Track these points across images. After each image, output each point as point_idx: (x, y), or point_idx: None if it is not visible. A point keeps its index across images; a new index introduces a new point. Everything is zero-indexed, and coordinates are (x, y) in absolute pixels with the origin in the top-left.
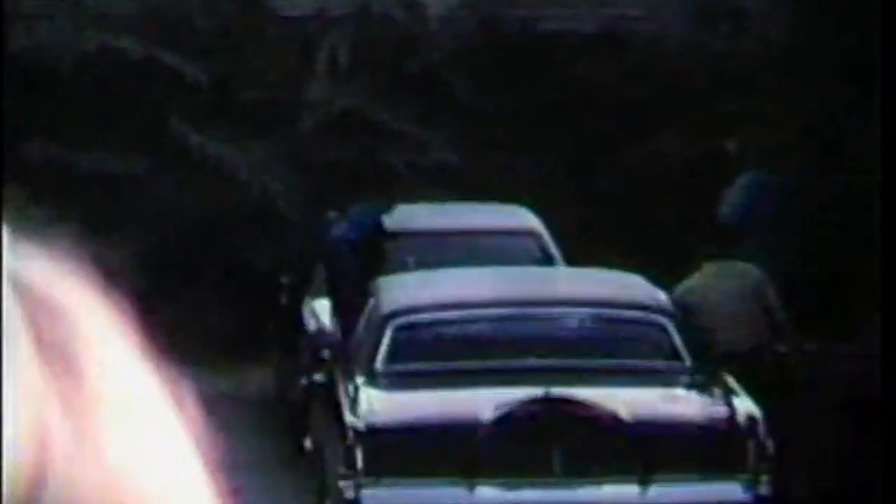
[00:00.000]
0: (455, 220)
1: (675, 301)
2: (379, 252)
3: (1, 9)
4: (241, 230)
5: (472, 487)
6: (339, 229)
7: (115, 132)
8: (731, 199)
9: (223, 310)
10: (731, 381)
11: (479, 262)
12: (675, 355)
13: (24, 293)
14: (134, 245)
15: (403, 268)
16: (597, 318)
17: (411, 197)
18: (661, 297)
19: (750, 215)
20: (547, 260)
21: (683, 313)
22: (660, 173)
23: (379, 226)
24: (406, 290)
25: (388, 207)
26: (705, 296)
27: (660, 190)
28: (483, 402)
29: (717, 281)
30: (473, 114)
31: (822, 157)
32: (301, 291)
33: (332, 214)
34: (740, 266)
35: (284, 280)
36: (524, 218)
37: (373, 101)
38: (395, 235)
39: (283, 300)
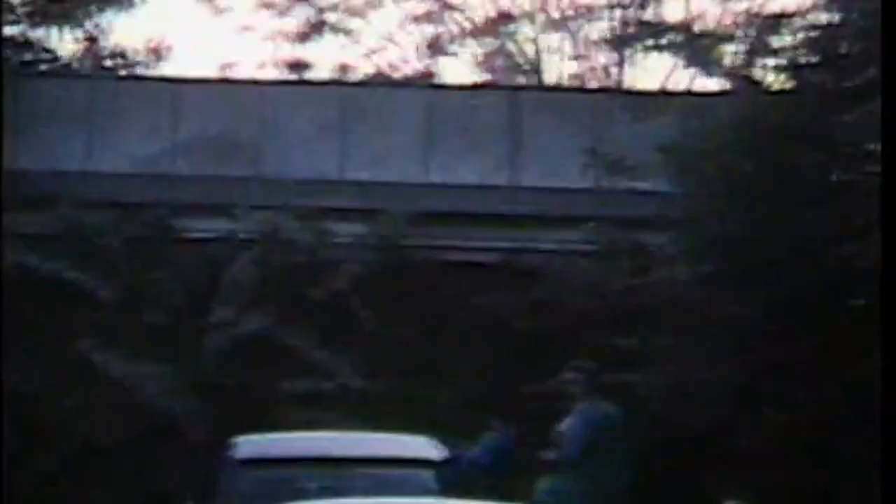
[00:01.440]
0: (358, 449)
1: None
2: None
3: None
4: (145, 451)
5: None
6: (472, 454)
7: (24, 350)
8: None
9: None
10: None
11: (382, 492)
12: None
13: None
14: (37, 467)
15: (305, 495)
16: None
17: (315, 424)
18: None
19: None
20: (446, 491)
21: None
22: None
23: (508, 452)
24: None
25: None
26: None
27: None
28: None
29: None
30: (378, 340)
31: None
32: None
33: (234, 439)
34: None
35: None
36: (428, 448)
37: (278, 326)
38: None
39: None
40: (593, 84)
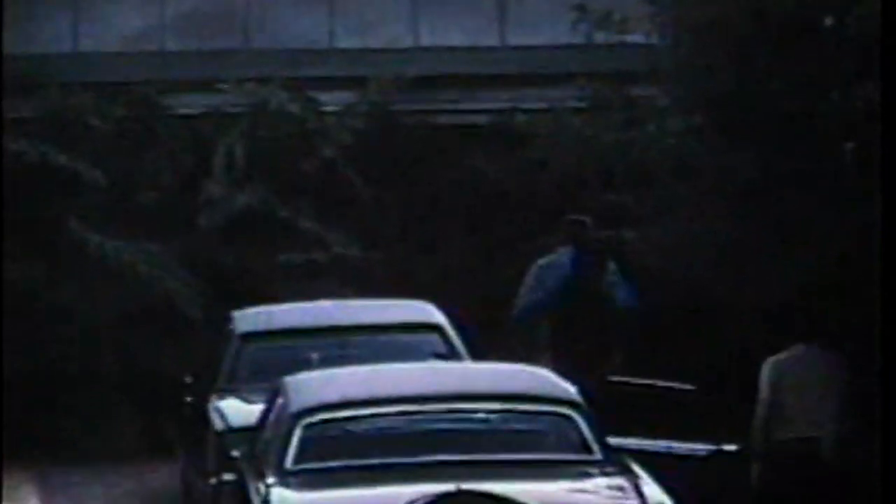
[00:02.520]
0: (358, 316)
1: (767, 367)
2: None
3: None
4: (141, 330)
5: None
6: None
7: (13, 237)
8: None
9: (126, 409)
10: (640, 471)
11: (383, 358)
12: (585, 447)
13: None
14: (35, 349)
15: (308, 365)
16: (504, 413)
17: (313, 293)
18: (570, 389)
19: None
20: (452, 355)
21: (774, 382)
22: None
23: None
24: (314, 389)
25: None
26: (795, 374)
27: None
28: (395, 499)
29: (805, 364)
30: (372, 209)
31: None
32: (206, 390)
33: (232, 313)
34: (824, 352)
35: (188, 379)
36: (427, 312)
37: (271, 200)
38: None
39: (189, 399)
40: None
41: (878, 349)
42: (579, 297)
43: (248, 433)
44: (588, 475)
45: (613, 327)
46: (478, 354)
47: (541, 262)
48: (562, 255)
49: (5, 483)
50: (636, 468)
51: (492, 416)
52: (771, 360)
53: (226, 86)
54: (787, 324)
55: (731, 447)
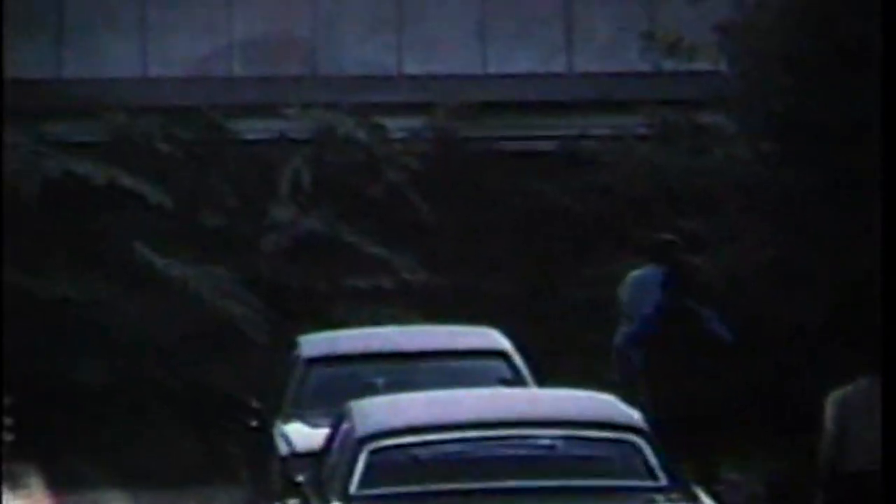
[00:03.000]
0: (424, 342)
1: (832, 402)
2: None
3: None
4: (205, 353)
5: None
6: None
7: (80, 258)
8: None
9: (191, 433)
10: (706, 498)
11: (449, 384)
12: (651, 474)
13: None
14: (102, 370)
15: (373, 390)
16: (571, 439)
17: (378, 318)
18: (634, 415)
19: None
20: (517, 380)
21: (840, 416)
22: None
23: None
24: (379, 414)
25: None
26: (860, 408)
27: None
28: None
29: (870, 397)
30: (438, 234)
31: (790, 272)
32: (271, 414)
33: (297, 338)
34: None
35: (254, 403)
36: (492, 339)
37: (337, 224)
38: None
39: (254, 423)
40: None
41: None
42: (674, 320)
43: (313, 458)
44: (653, 502)
45: (709, 351)
46: (543, 380)
47: (633, 275)
48: (652, 274)
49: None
50: (702, 495)
51: (557, 442)
52: (835, 394)
53: (292, 111)
54: (851, 348)
55: None
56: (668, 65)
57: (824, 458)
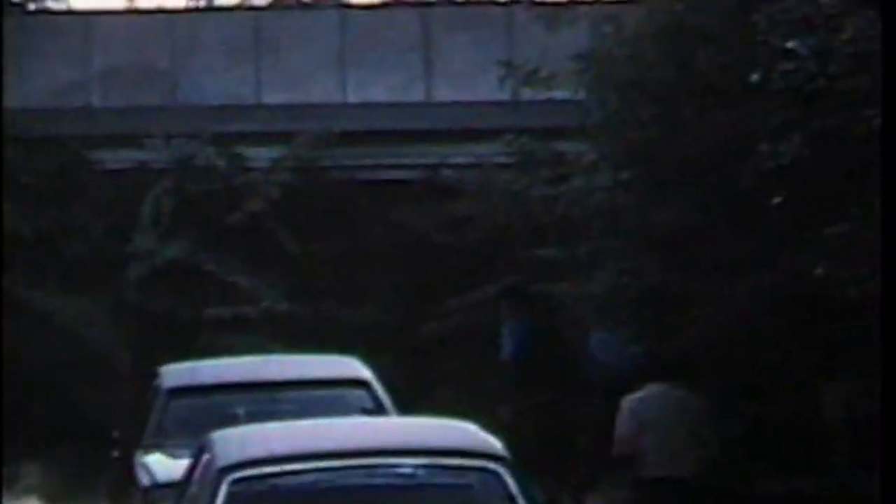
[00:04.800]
0: (285, 372)
1: (629, 407)
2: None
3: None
4: (71, 381)
5: None
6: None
7: None
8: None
9: (52, 462)
10: None
11: (310, 414)
12: (511, 501)
13: None
14: None
15: (235, 420)
16: (431, 467)
17: (241, 347)
18: (495, 443)
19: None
20: (379, 410)
21: (631, 422)
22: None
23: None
24: (241, 444)
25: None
26: (661, 408)
27: (485, 337)
28: None
29: (664, 400)
30: (300, 263)
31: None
32: (133, 444)
33: (159, 368)
34: (681, 392)
35: (115, 434)
36: (353, 368)
37: (199, 252)
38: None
39: (115, 454)
40: None
41: (880, 351)
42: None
43: (174, 489)
44: None
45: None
46: (405, 410)
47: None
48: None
49: None
50: None
51: (418, 470)
52: (628, 398)
53: (152, 141)
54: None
55: None
56: (527, 93)
57: (619, 459)
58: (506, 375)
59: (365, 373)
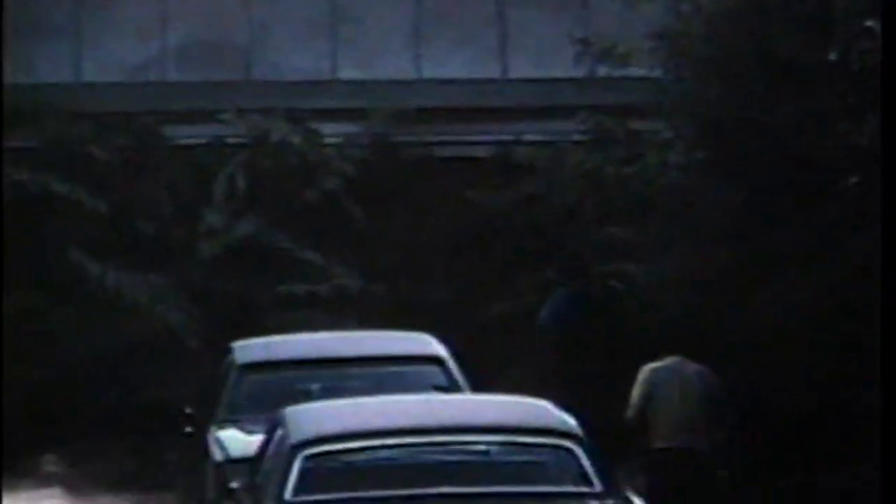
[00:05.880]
0: (358, 348)
1: (643, 376)
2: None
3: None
4: (140, 360)
5: None
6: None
7: (15, 265)
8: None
9: (126, 438)
10: (641, 503)
11: (384, 390)
12: (585, 479)
13: None
14: (37, 376)
15: (308, 396)
16: (505, 445)
17: (313, 324)
18: (569, 421)
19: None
20: (452, 387)
21: (645, 390)
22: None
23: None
24: (314, 420)
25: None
26: (672, 380)
27: None
28: None
29: (677, 373)
30: (373, 240)
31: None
32: (206, 421)
33: (232, 344)
34: (697, 367)
35: (188, 409)
36: (427, 345)
37: (272, 230)
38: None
39: (188, 429)
40: None
41: (879, 348)
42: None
43: (247, 464)
44: None
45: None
46: (478, 387)
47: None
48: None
49: None
50: (637, 500)
51: (492, 448)
52: (647, 367)
53: (227, 116)
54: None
55: None
56: (602, 70)
57: (628, 425)
58: (541, 342)
59: (439, 349)
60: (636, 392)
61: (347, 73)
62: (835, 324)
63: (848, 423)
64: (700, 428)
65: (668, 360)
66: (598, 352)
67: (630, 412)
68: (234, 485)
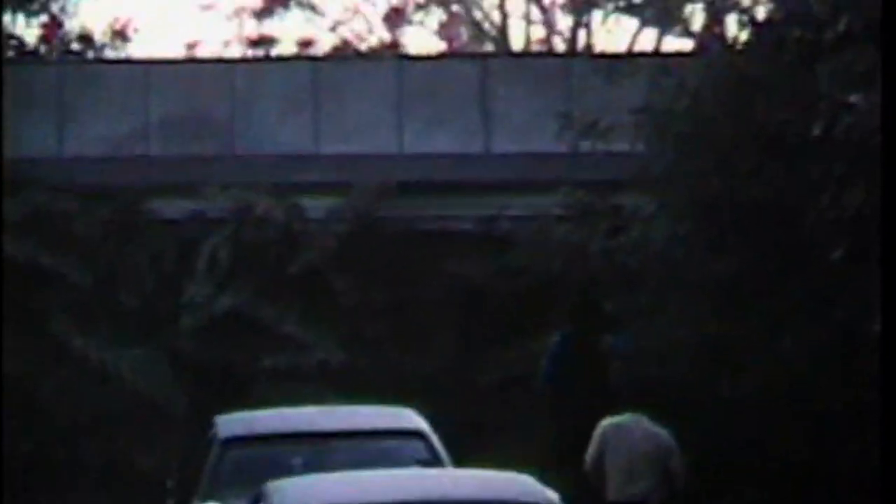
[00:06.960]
0: (341, 422)
1: (598, 431)
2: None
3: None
4: (125, 432)
5: None
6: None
7: None
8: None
9: None
10: None
11: (366, 465)
12: None
13: None
14: (15, 447)
15: (290, 471)
16: None
17: (296, 398)
18: (552, 496)
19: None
20: (434, 461)
21: (599, 443)
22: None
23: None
24: (297, 495)
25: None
26: (623, 438)
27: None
28: None
29: (632, 430)
30: (356, 313)
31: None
32: (188, 495)
33: (215, 418)
34: (654, 429)
35: (169, 483)
36: (409, 419)
37: (255, 302)
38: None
39: (170, 503)
40: (561, 48)
41: (881, 354)
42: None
43: None
44: None
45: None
46: (461, 460)
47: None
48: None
49: None
50: None
51: None
52: (605, 421)
53: (209, 190)
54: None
55: None
56: (585, 146)
57: (585, 476)
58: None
59: (420, 423)
60: (591, 446)
61: (330, 147)
62: (825, 389)
63: (844, 485)
64: (649, 483)
65: (626, 417)
66: (586, 409)
67: (586, 465)
68: None
